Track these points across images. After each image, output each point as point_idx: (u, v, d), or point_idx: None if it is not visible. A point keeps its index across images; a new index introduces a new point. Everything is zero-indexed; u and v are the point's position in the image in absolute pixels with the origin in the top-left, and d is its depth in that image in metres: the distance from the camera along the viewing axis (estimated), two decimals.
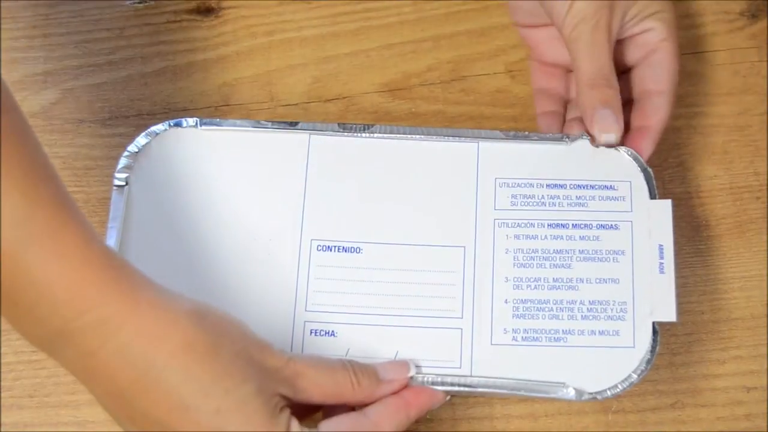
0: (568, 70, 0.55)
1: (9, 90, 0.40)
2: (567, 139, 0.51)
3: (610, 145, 0.50)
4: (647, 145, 0.51)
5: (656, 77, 0.52)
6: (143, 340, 0.39)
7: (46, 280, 0.39)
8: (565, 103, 0.55)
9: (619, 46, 0.52)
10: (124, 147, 0.50)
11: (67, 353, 0.40)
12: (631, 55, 0.53)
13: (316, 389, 0.43)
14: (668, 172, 0.56)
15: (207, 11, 0.59)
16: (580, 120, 0.51)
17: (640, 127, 0.51)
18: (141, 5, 0.59)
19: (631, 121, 0.52)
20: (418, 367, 0.47)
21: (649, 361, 0.47)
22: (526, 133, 0.51)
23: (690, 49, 0.58)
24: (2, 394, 0.52)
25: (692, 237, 0.55)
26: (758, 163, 0.56)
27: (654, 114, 0.51)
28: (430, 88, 0.58)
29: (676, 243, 0.49)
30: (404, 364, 0.46)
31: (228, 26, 0.59)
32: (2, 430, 0.51)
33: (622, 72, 0.53)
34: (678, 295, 0.48)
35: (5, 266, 0.38)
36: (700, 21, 0.59)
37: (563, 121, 0.54)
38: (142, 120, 0.56)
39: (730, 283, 0.54)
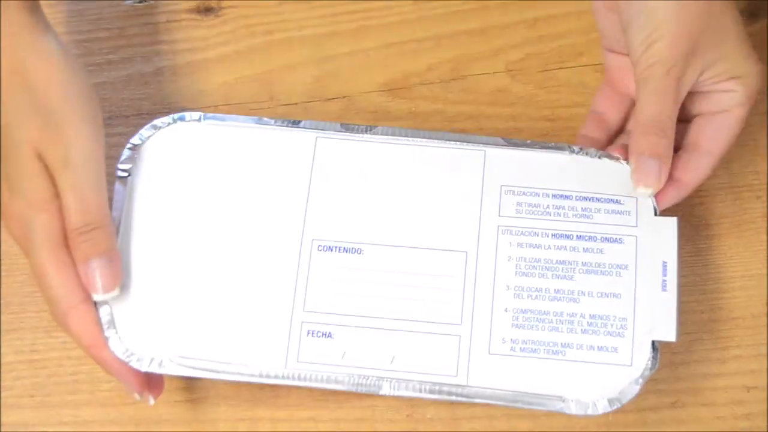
0: (633, 103, 0.53)
1: None
2: (575, 150, 0.51)
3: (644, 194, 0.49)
4: (671, 197, 0.50)
5: (713, 137, 0.50)
6: None
7: None
8: (612, 135, 0.54)
9: (691, 95, 0.50)
10: (124, 146, 0.50)
11: None
12: (700, 106, 0.51)
13: None
14: None
15: (207, 10, 0.59)
16: (625, 147, 0.50)
17: (673, 177, 0.50)
18: (141, 4, 0.59)
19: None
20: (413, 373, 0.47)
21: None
22: (533, 141, 0.51)
23: None
24: (2, 394, 0.52)
25: (692, 236, 0.55)
26: (758, 162, 0.56)
27: (692, 171, 0.50)
28: (430, 87, 0.57)
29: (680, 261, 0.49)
30: None
31: (228, 25, 0.59)
32: (2, 430, 0.51)
33: (684, 120, 0.52)
34: (679, 314, 0.48)
35: None
36: None
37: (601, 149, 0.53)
38: (142, 119, 0.56)
39: (730, 282, 0.54)
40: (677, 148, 0.51)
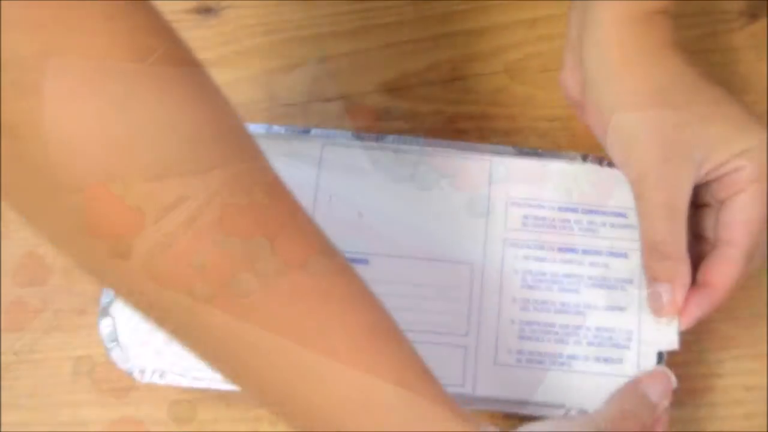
0: None
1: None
2: (587, 158, 0.51)
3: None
4: (700, 306, 0.46)
5: (733, 224, 0.45)
6: None
7: None
8: None
9: (699, 188, 0.45)
10: None
11: None
12: (714, 194, 0.46)
13: None
14: None
15: (206, 11, 0.59)
16: None
17: (703, 282, 0.46)
18: None
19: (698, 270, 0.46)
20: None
21: None
22: (539, 150, 0.51)
23: (689, 49, 0.58)
24: (2, 394, 0.51)
25: None
26: None
27: (721, 270, 0.45)
28: (430, 87, 0.58)
29: None
30: (664, 376, 0.44)
31: (228, 26, 0.59)
32: (2, 430, 0.51)
33: (702, 205, 0.47)
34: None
35: None
36: (700, 21, 0.59)
37: None
38: None
39: None
40: (702, 240, 0.48)
